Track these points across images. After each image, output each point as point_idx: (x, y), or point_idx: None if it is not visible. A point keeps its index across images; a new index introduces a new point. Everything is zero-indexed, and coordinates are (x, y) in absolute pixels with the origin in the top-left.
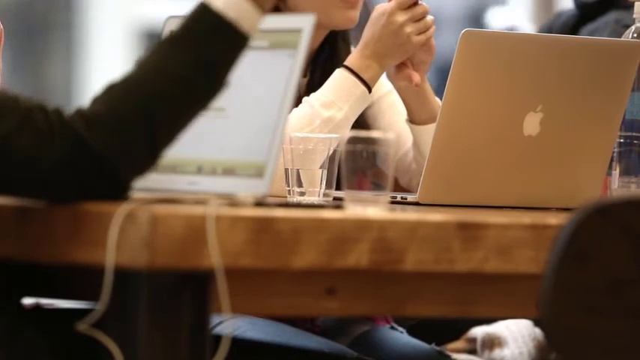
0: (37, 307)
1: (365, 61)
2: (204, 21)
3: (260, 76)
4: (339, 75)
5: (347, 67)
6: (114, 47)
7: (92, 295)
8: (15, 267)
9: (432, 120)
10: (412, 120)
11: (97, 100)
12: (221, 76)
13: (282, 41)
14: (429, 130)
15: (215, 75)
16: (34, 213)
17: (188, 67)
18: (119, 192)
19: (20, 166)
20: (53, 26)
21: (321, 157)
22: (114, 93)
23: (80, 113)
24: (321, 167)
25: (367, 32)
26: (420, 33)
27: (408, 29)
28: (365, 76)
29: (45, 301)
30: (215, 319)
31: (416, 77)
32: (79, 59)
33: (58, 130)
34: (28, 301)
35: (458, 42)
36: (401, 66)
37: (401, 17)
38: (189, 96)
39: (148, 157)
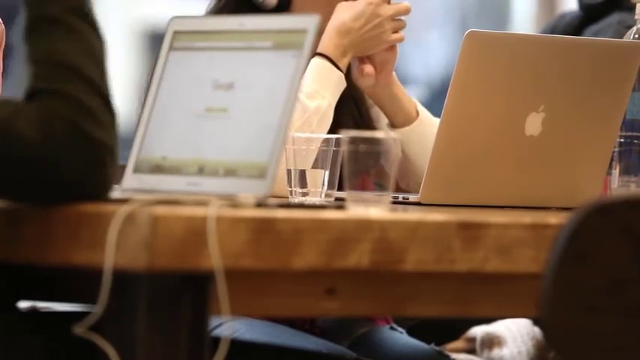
0: (33, 311)
1: (341, 49)
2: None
3: (263, 77)
4: (317, 64)
5: (324, 55)
6: (117, 47)
7: (90, 297)
8: (11, 269)
9: (407, 123)
10: (390, 124)
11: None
12: (90, 15)
13: (286, 42)
14: (405, 133)
15: (85, 16)
16: (32, 214)
17: (64, 34)
18: (106, 158)
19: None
20: None
21: (323, 157)
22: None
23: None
24: (323, 168)
25: (351, 20)
26: (394, 31)
27: (388, 25)
28: (340, 64)
29: (42, 305)
30: (214, 321)
31: (367, 68)
32: None
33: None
34: (24, 304)
35: (462, 43)
36: (360, 62)
37: (385, 11)
38: (88, 44)
39: (106, 112)
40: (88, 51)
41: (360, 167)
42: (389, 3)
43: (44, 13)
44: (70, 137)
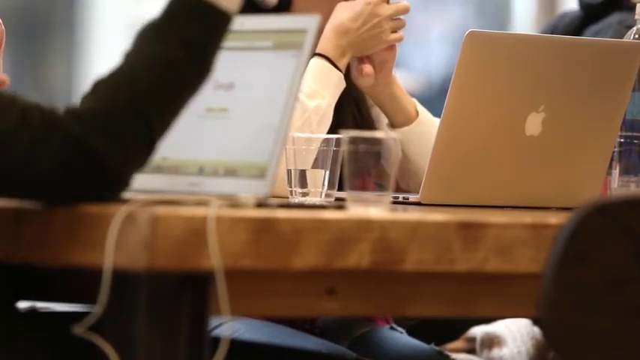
0: (33, 311)
1: (340, 49)
2: (183, 4)
3: (264, 77)
4: (317, 64)
5: (323, 56)
6: (116, 48)
7: (90, 297)
8: (11, 269)
9: (407, 122)
10: (390, 124)
11: (87, 98)
12: (207, 58)
13: (286, 42)
14: (405, 133)
15: (201, 57)
16: (31, 214)
17: (173, 52)
18: (119, 188)
19: (17, 166)
20: (55, 26)
21: (323, 157)
22: (103, 88)
23: (72, 112)
24: (323, 168)
25: (349, 20)
26: (393, 31)
27: (386, 25)
28: (339, 65)
29: (41, 305)
30: (214, 321)
31: (366, 68)
32: (81, 60)
33: (55, 131)
34: (23, 304)
35: (462, 43)
36: (359, 62)
37: (384, 11)
38: (177, 81)
39: (144, 149)
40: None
41: (361, 167)
42: (388, 2)
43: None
44: (67, 152)
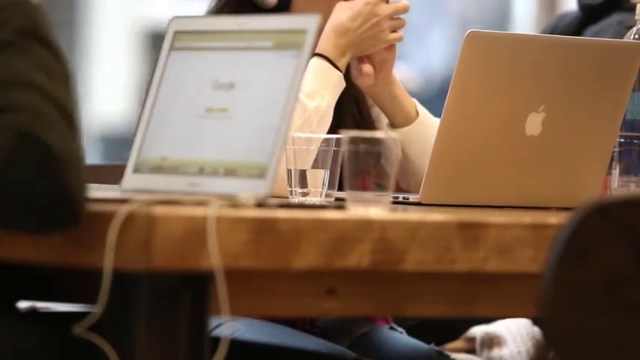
0: (33, 311)
1: (340, 49)
2: None
3: (264, 77)
4: (316, 64)
5: (322, 56)
6: (117, 47)
7: (90, 297)
8: (11, 269)
9: (407, 122)
10: (390, 124)
11: None
12: (46, 39)
13: (286, 42)
14: (405, 133)
15: (40, 39)
16: None
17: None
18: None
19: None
20: (56, 26)
21: (323, 157)
22: None
23: None
24: (323, 168)
25: (348, 20)
26: (393, 31)
27: (385, 25)
28: (339, 65)
29: (41, 305)
30: (214, 321)
31: (366, 68)
32: (82, 59)
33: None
34: (23, 304)
35: (462, 43)
36: (359, 62)
37: (383, 10)
38: (41, 62)
39: (63, 123)
40: (42, 67)
41: (361, 167)
42: (387, 2)
43: None
44: (18, 147)
